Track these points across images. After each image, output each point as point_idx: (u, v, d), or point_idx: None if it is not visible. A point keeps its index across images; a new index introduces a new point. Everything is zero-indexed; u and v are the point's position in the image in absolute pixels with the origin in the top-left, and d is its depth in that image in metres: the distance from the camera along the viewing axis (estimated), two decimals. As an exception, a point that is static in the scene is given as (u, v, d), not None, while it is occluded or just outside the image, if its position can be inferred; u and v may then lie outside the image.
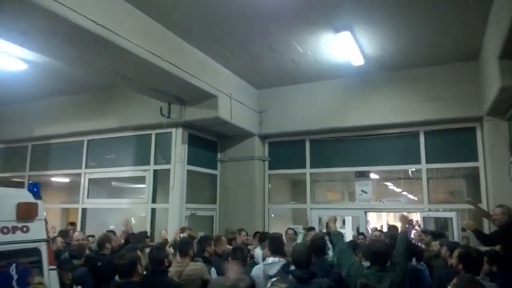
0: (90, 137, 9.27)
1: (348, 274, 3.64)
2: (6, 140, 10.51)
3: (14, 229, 3.66)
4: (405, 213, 5.06)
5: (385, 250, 3.56)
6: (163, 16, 5.75)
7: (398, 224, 4.57)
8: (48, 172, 10.02)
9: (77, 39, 4.89)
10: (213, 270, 4.42)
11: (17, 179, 10.31)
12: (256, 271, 4.10)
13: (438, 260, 5.09)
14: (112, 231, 6.77)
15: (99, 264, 5.11)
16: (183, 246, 4.33)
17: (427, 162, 7.73)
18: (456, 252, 3.71)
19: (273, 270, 3.95)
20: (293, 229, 7.17)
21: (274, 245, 4.33)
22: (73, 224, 8.67)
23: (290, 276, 3.51)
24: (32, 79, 7.95)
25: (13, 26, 4.64)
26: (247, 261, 4.50)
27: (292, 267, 3.65)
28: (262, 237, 6.23)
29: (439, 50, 6.82)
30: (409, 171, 8.68)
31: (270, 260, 4.15)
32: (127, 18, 5.32)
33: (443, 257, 4.87)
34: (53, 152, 9.98)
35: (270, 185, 9.27)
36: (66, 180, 10.68)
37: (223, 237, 5.88)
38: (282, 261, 4.09)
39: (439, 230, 6.99)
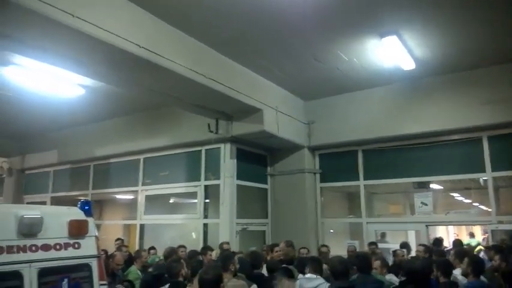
0: (145, 156, 9.62)
1: None
2: (71, 161, 11.23)
3: (66, 245, 3.81)
4: None
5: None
6: (204, 34, 5.84)
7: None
8: (109, 190, 10.54)
9: (122, 62, 5.13)
10: (254, 287, 4.31)
11: (81, 197, 10.93)
12: None
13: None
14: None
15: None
16: (224, 262, 4.29)
17: (493, 170, 7.08)
18: None
19: (308, 285, 4.10)
20: (354, 245, 7.39)
21: (315, 264, 4.47)
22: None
23: None
24: (89, 102, 8.45)
25: (67, 53, 4.97)
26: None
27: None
28: None
29: (499, 49, 6.32)
30: (480, 180, 8.01)
31: (308, 274, 4.27)
32: (168, 39, 5.48)
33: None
34: (113, 171, 10.50)
35: (322, 198, 8.99)
36: (128, 197, 11.16)
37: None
38: (319, 278, 4.18)
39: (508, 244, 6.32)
